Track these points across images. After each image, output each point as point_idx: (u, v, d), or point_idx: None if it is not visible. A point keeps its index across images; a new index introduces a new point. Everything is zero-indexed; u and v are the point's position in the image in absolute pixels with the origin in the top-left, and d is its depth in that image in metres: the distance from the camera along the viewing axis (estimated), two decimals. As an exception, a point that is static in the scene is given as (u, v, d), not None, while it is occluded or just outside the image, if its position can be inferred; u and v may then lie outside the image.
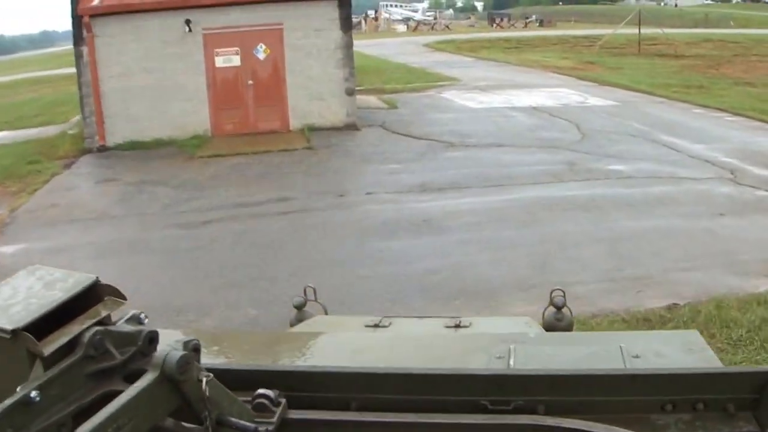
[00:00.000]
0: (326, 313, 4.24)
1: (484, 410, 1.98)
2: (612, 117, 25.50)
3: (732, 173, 17.65)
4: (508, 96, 30.37)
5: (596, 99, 29.71)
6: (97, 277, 1.75)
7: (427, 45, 60.22)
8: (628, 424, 1.90)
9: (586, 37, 61.01)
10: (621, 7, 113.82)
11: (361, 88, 32.43)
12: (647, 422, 1.99)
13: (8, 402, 1.50)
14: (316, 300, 4.21)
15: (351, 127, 23.19)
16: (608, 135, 22.26)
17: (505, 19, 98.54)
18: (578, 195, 15.59)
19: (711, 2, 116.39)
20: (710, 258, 12.16)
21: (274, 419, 1.88)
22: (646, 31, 52.68)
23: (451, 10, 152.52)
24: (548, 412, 1.97)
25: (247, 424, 1.81)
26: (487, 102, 28.90)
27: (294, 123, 23.23)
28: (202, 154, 21.03)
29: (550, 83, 34.97)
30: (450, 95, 30.89)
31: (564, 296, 3.86)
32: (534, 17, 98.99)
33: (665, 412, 2.00)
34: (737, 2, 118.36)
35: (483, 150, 20.40)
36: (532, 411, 1.97)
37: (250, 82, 23.08)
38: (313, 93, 23.12)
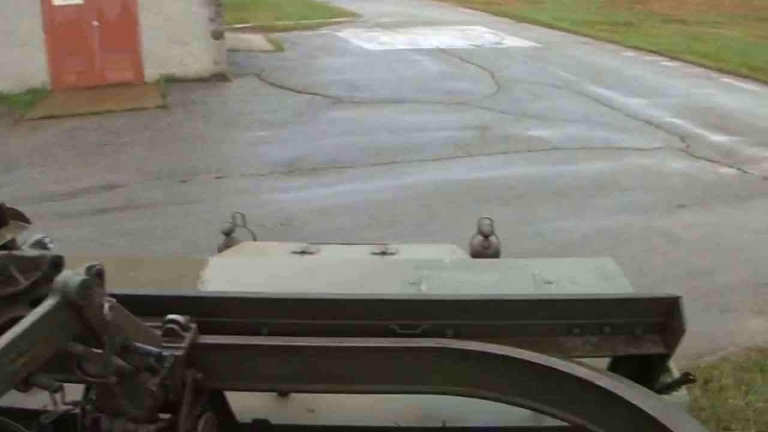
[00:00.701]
0: (255, 240, 4.45)
1: (393, 334, 1.99)
2: (532, 62, 21.81)
3: (683, 140, 14.18)
4: (413, 35, 26.40)
5: (514, 39, 25.95)
6: (2, 202, 1.74)
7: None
8: (536, 346, 1.93)
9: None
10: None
11: (247, 25, 28.46)
12: (555, 344, 2.00)
13: None
14: (245, 226, 4.37)
15: (219, 78, 18.99)
16: (528, 86, 18.58)
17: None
18: (492, 178, 11.92)
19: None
20: (677, 282, 8.67)
21: (184, 344, 1.86)
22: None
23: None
24: (456, 336, 1.98)
25: (152, 348, 1.77)
26: (389, 43, 24.89)
27: (150, 73, 18.86)
28: (33, 116, 16.63)
29: (462, 20, 31.08)
30: (347, 34, 26.78)
31: (492, 224, 3.96)
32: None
33: (572, 335, 2.02)
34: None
35: (376, 108, 16.54)
36: (440, 335, 1.98)
37: (96, 23, 18.60)
38: (172, 36, 18.77)
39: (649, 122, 15.27)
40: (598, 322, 2.02)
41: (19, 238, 1.74)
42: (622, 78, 19.76)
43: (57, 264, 1.68)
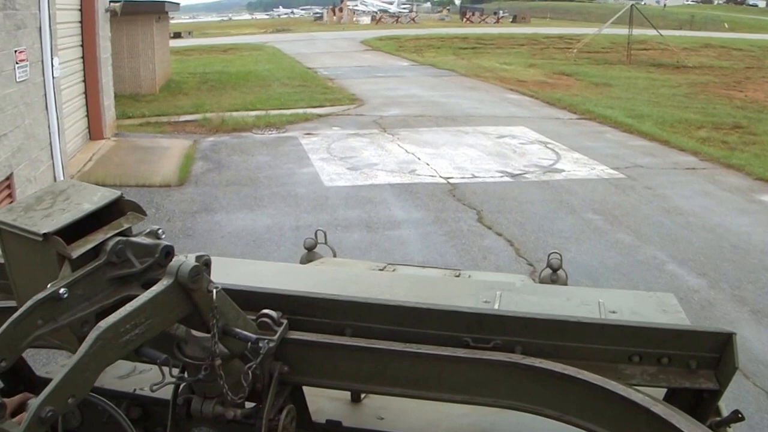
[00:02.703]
0: (335, 256, 4.31)
1: (466, 346, 1.92)
2: (613, 225, 10.71)
3: None
4: (418, 147, 15.47)
5: (576, 158, 14.86)
6: (121, 193, 1.73)
7: (364, 42, 45.02)
8: (597, 371, 1.84)
9: (560, 37, 45.85)
10: (599, 5, 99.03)
11: (194, 117, 18.10)
12: (614, 371, 1.90)
13: (40, 296, 1.54)
14: (326, 243, 4.23)
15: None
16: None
17: (477, 14, 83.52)
18: None
19: (692, 3, 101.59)
20: None
21: (275, 337, 1.85)
22: (633, 32, 37.49)
23: (428, 3, 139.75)
24: (524, 353, 1.90)
25: (249, 334, 1.78)
26: (370, 167, 13.87)
27: None
28: None
29: (503, 113, 20.11)
30: (317, 143, 15.87)
31: (561, 259, 3.82)
32: (502, 12, 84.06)
33: (632, 363, 1.92)
34: (719, 4, 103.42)
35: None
36: (510, 351, 1.91)
37: None
38: None
39: None
40: (656, 351, 1.89)
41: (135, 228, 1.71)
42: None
43: (168, 252, 1.70)
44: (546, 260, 3.88)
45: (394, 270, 3.73)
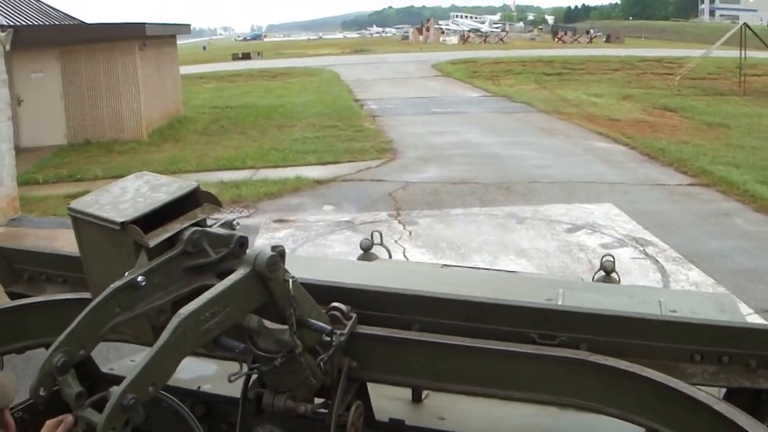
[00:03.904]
0: (390, 257, 4.12)
1: (532, 342, 1.82)
2: None
3: None
4: (435, 254, 9.12)
5: (693, 285, 8.37)
6: (198, 184, 1.64)
7: (436, 66, 38.66)
8: (659, 369, 1.73)
9: (659, 60, 38.65)
10: (695, 24, 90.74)
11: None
12: (676, 370, 1.78)
13: (118, 283, 1.48)
14: (381, 244, 3.99)
15: None
16: None
17: (569, 33, 76.44)
18: None
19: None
20: None
21: (345, 330, 1.77)
22: (734, 54, 30.07)
23: (521, 23, 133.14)
24: (589, 350, 1.79)
25: (325, 326, 1.70)
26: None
27: None
28: None
29: (583, 175, 13.63)
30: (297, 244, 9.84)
31: (614, 261, 3.60)
32: (593, 30, 76.69)
33: (693, 362, 1.80)
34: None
35: None
36: (575, 348, 1.80)
37: None
38: None
39: None
40: (718, 350, 1.77)
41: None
42: None
43: (243, 243, 1.61)
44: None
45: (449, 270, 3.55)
